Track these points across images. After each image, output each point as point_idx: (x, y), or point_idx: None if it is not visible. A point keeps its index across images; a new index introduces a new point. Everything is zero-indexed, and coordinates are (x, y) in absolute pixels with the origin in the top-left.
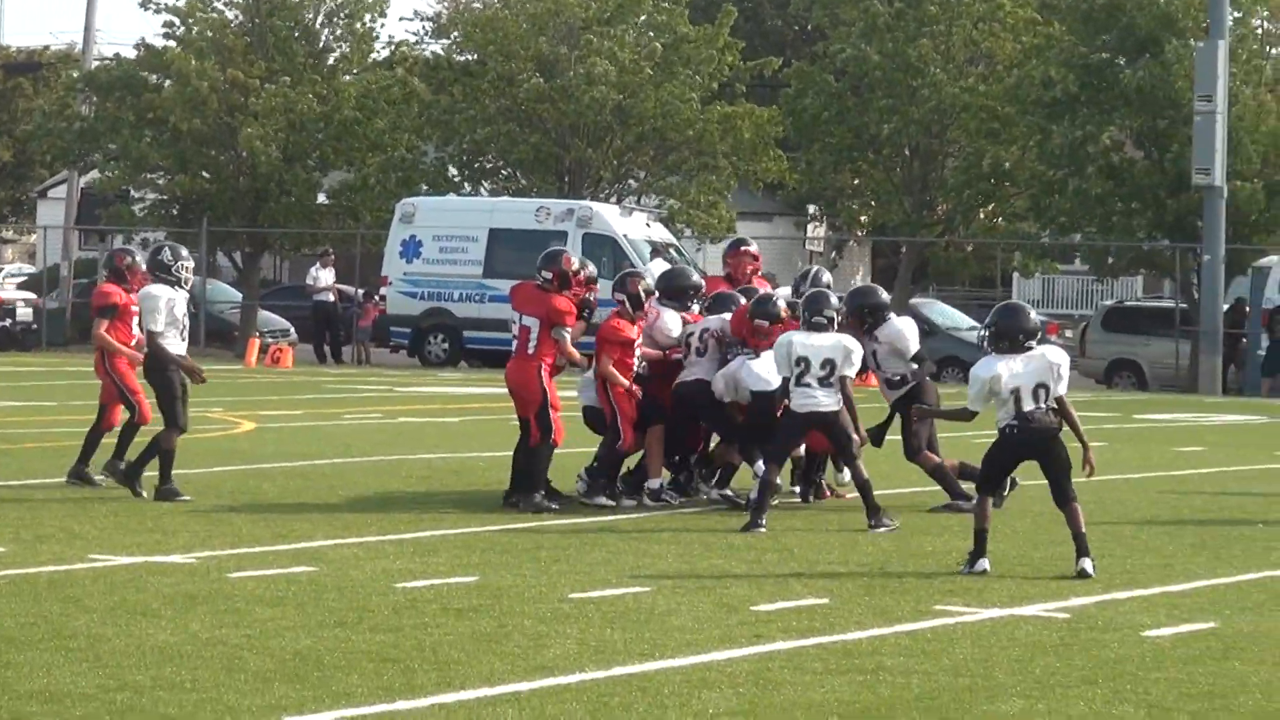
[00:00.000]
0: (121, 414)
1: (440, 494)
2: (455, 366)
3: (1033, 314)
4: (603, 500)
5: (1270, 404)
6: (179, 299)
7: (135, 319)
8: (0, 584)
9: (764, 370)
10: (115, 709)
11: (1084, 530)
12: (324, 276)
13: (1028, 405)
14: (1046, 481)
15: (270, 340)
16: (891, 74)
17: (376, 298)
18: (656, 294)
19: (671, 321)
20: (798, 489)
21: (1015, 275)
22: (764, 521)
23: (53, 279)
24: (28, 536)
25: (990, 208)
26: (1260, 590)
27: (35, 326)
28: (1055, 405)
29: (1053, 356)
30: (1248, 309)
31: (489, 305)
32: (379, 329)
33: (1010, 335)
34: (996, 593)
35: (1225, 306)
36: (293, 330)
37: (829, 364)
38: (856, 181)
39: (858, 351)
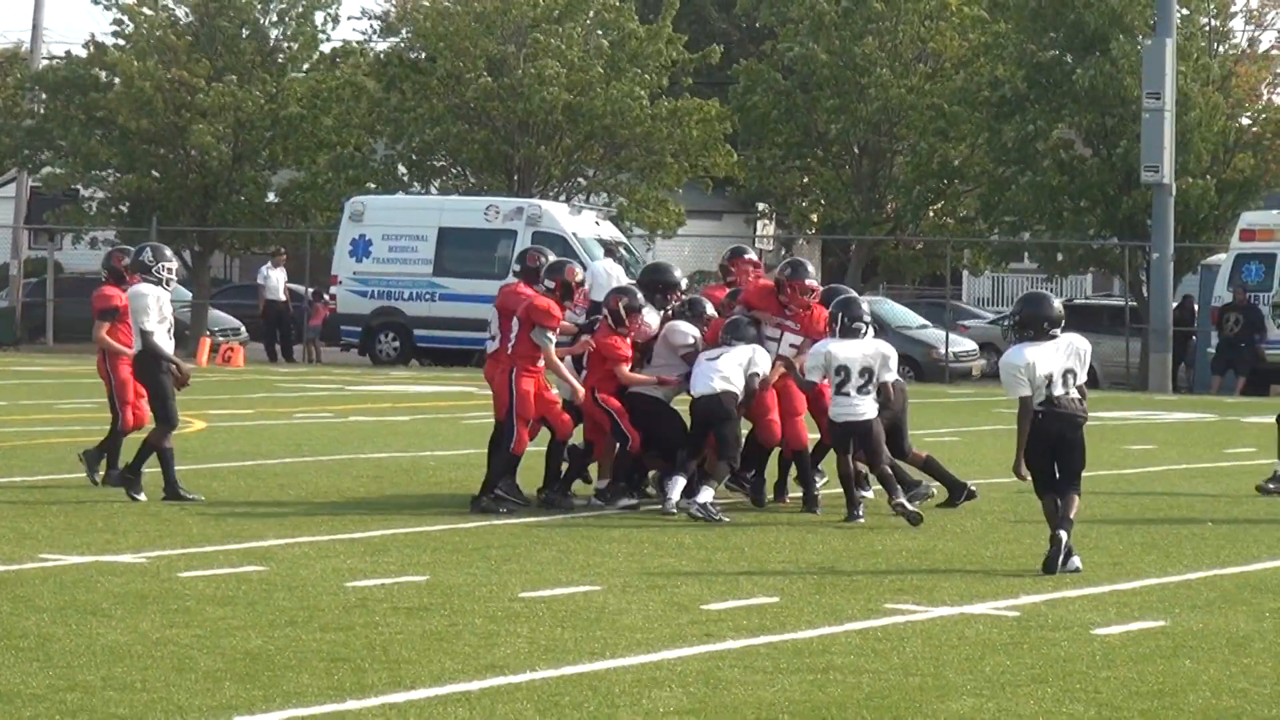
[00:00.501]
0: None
1: (391, 493)
2: (406, 365)
3: (1056, 302)
4: (629, 500)
5: (1220, 401)
6: (165, 298)
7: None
8: None
9: (726, 369)
10: (65, 709)
11: (1073, 516)
12: (275, 276)
13: (1057, 390)
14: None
15: (221, 339)
16: (839, 72)
17: (326, 296)
18: (643, 307)
19: (653, 321)
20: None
21: (965, 273)
22: (861, 512)
23: (1, 278)
24: None
25: (940, 206)
26: (1210, 588)
27: None
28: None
29: (1079, 344)
30: (1196, 306)
31: (439, 304)
32: (329, 328)
33: (1035, 324)
34: (946, 591)
35: (1174, 304)
36: (243, 329)
37: (867, 372)
38: (806, 179)
39: (894, 357)
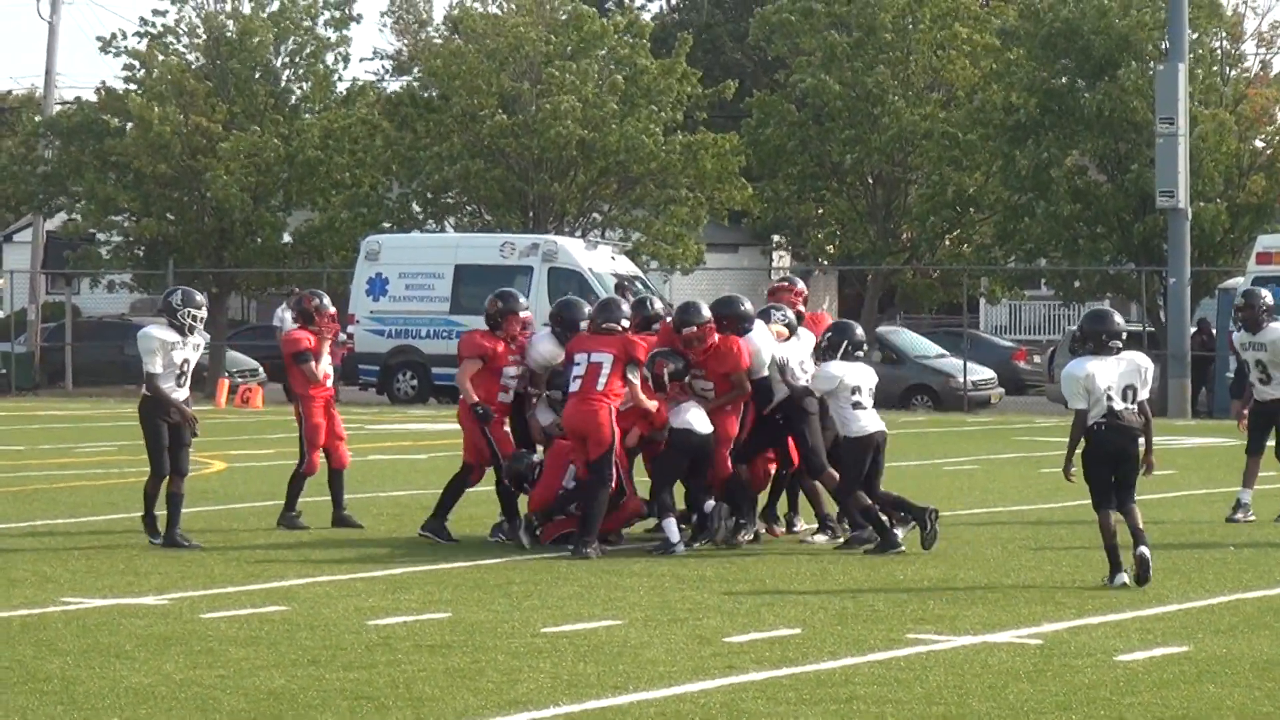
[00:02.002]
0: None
1: (412, 531)
2: (424, 403)
3: (1117, 317)
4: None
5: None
6: (182, 344)
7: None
8: None
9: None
10: None
11: (1142, 526)
12: (289, 317)
13: (1118, 405)
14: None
15: (239, 380)
16: (852, 103)
17: (344, 336)
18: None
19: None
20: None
21: (982, 301)
22: (900, 540)
23: (20, 323)
24: (0, 581)
25: (955, 234)
26: (1232, 613)
27: (4, 371)
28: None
29: (1140, 361)
30: (1214, 330)
31: (456, 341)
32: (347, 367)
33: (1096, 337)
34: (969, 620)
35: (1192, 329)
36: (262, 370)
37: (871, 391)
38: (820, 211)
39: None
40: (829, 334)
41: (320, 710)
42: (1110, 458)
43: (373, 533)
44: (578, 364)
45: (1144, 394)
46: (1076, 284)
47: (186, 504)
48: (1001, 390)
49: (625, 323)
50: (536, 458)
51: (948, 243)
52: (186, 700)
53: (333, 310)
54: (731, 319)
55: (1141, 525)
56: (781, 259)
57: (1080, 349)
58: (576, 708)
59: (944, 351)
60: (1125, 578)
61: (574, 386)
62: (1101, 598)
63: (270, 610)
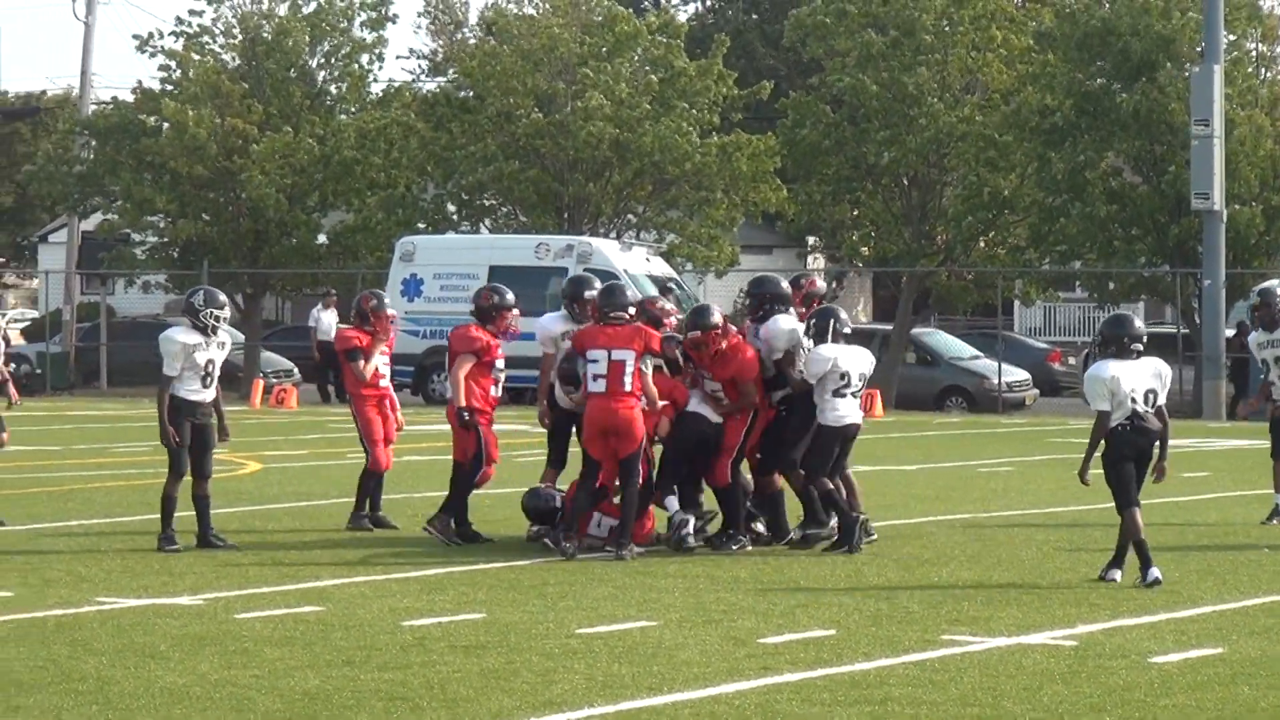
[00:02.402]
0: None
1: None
2: None
3: (1138, 321)
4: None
5: None
6: (205, 345)
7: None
8: (8, 628)
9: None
10: None
11: (1128, 543)
12: (326, 318)
13: (1140, 407)
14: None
15: (274, 381)
16: (888, 104)
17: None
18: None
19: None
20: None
21: (1017, 303)
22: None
23: (55, 323)
24: (35, 580)
25: (990, 236)
26: (1267, 615)
27: (39, 372)
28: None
29: (1160, 366)
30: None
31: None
32: None
33: (1117, 341)
34: (1003, 622)
35: (1231, 332)
36: (296, 370)
37: (863, 377)
38: (855, 212)
39: (873, 362)
40: (812, 319)
41: (355, 711)
42: (1135, 458)
43: (408, 533)
44: (595, 360)
45: (1162, 398)
46: (1111, 286)
47: (221, 504)
48: (1036, 392)
49: (632, 309)
50: (558, 497)
51: (983, 244)
52: (221, 700)
53: (391, 312)
54: (768, 297)
55: (1128, 543)
56: (816, 261)
57: (1102, 353)
58: (611, 709)
59: (978, 353)
60: (1157, 572)
61: (596, 385)
62: (1136, 599)
63: (305, 611)
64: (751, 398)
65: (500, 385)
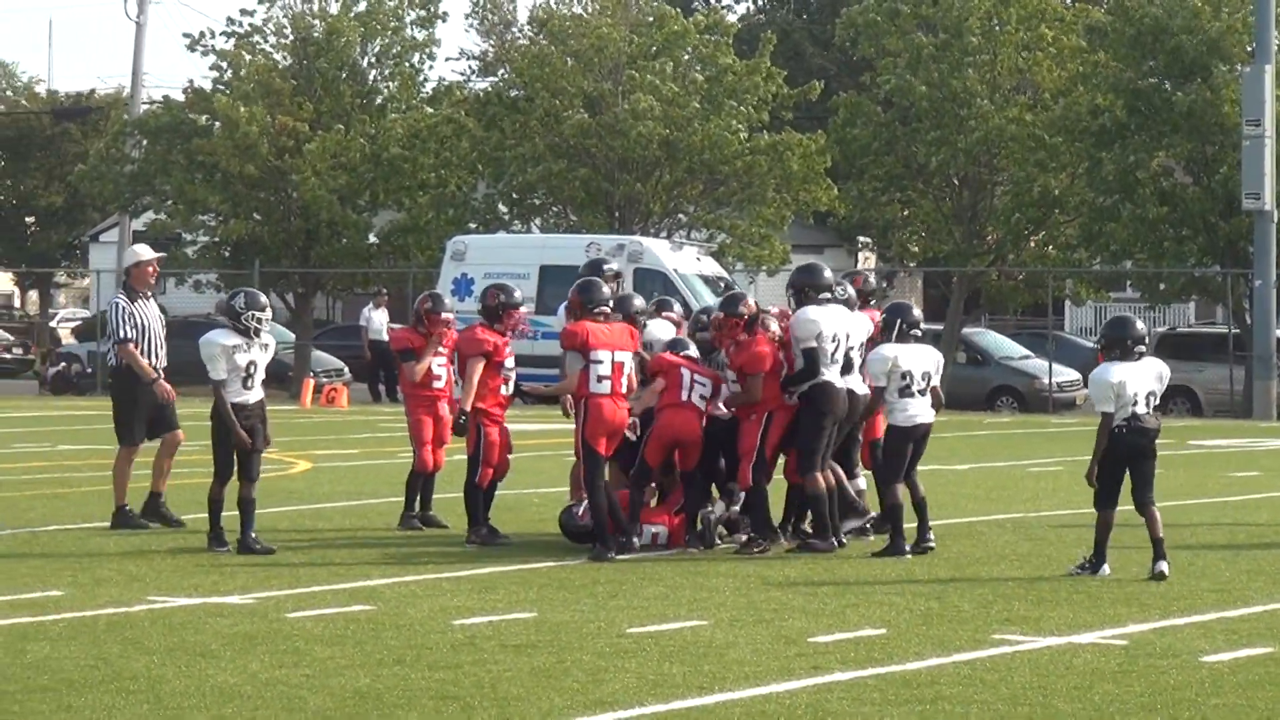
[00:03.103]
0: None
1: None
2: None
3: (1139, 323)
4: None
5: None
6: (247, 347)
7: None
8: (60, 627)
9: None
10: None
11: (1162, 535)
12: (376, 317)
13: (1141, 409)
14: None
15: (325, 380)
16: (938, 104)
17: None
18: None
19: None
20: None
21: (1067, 303)
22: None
23: (106, 323)
24: (86, 579)
25: (1040, 236)
26: None
27: (90, 371)
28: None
29: (1160, 367)
30: None
31: (541, 342)
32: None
33: (1121, 344)
34: (1054, 621)
35: None
36: (347, 370)
37: (927, 375)
38: (906, 212)
39: (941, 360)
40: (884, 315)
41: (405, 710)
42: (1127, 459)
43: (458, 532)
44: (600, 361)
45: (1158, 398)
46: (1162, 286)
47: (271, 504)
48: (1087, 391)
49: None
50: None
51: (1033, 244)
52: (272, 699)
53: (448, 315)
54: (800, 286)
55: (1161, 534)
56: (867, 260)
57: (1106, 355)
58: (662, 708)
59: (1029, 353)
60: (1108, 570)
61: (602, 386)
62: (1186, 599)
63: (356, 610)
64: (753, 393)
65: (511, 384)
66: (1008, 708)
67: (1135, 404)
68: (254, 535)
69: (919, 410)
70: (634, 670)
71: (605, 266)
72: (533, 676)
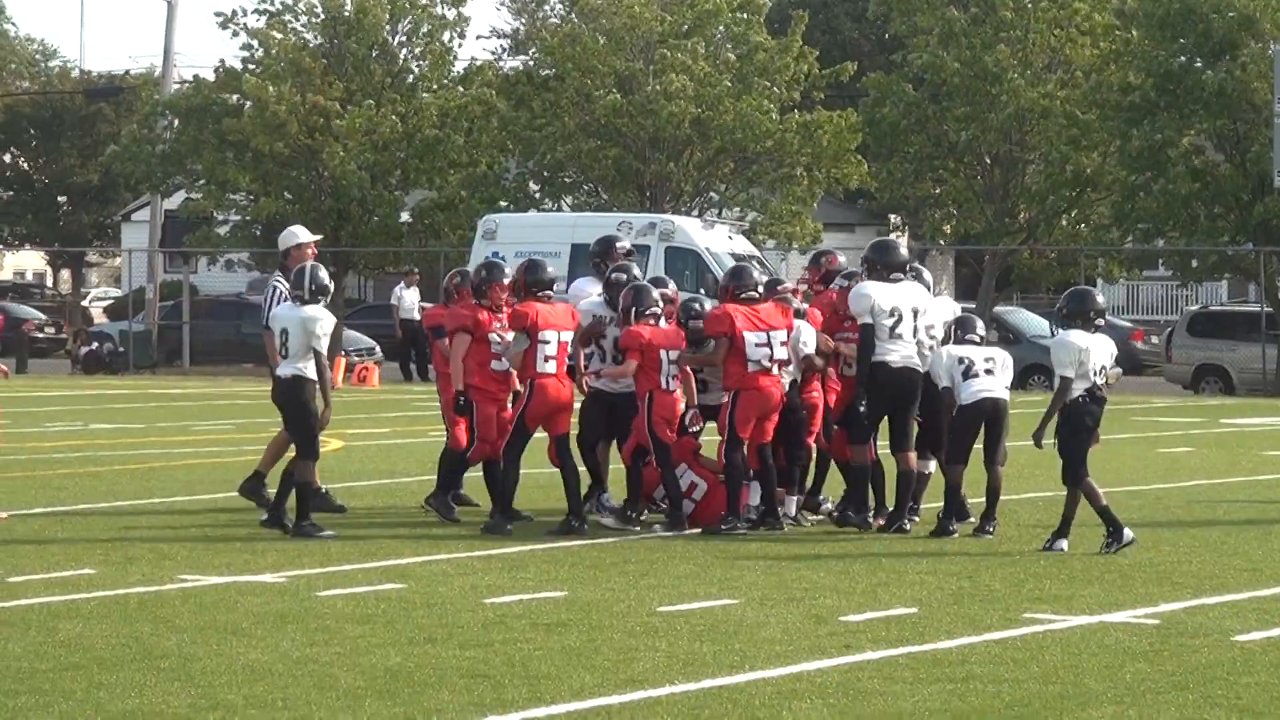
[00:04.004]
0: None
1: (526, 509)
2: None
3: (1099, 296)
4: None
5: None
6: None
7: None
8: (91, 605)
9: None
10: None
11: (1075, 515)
12: (408, 296)
13: (1099, 380)
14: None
15: (356, 359)
16: (970, 81)
17: None
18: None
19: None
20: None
21: (1100, 281)
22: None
23: (138, 302)
24: (118, 558)
25: (1072, 214)
26: None
27: (122, 350)
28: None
29: (1111, 344)
30: None
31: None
32: None
33: (1082, 315)
34: (1085, 600)
35: None
36: (378, 349)
37: (990, 359)
38: (938, 190)
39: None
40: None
41: (436, 688)
42: (1089, 429)
43: (489, 511)
44: (548, 341)
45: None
46: (1194, 264)
47: None
48: (1119, 370)
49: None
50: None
51: (1065, 223)
52: (303, 677)
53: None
54: (874, 262)
55: (1075, 515)
56: (899, 239)
57: (1066, 325)
58: (693, 686)
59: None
60: (1130, 534)
61: (549, 366)
62: (1218, 577)
63: (387, 588)
64: (711, 356)
65: (504, 360)
66: (1039, 686)
67: (1095, 374)
68: (285, 512)
69: (983, 387)
70: (664, 649)
71: (618, 244)
72: (563, 655)
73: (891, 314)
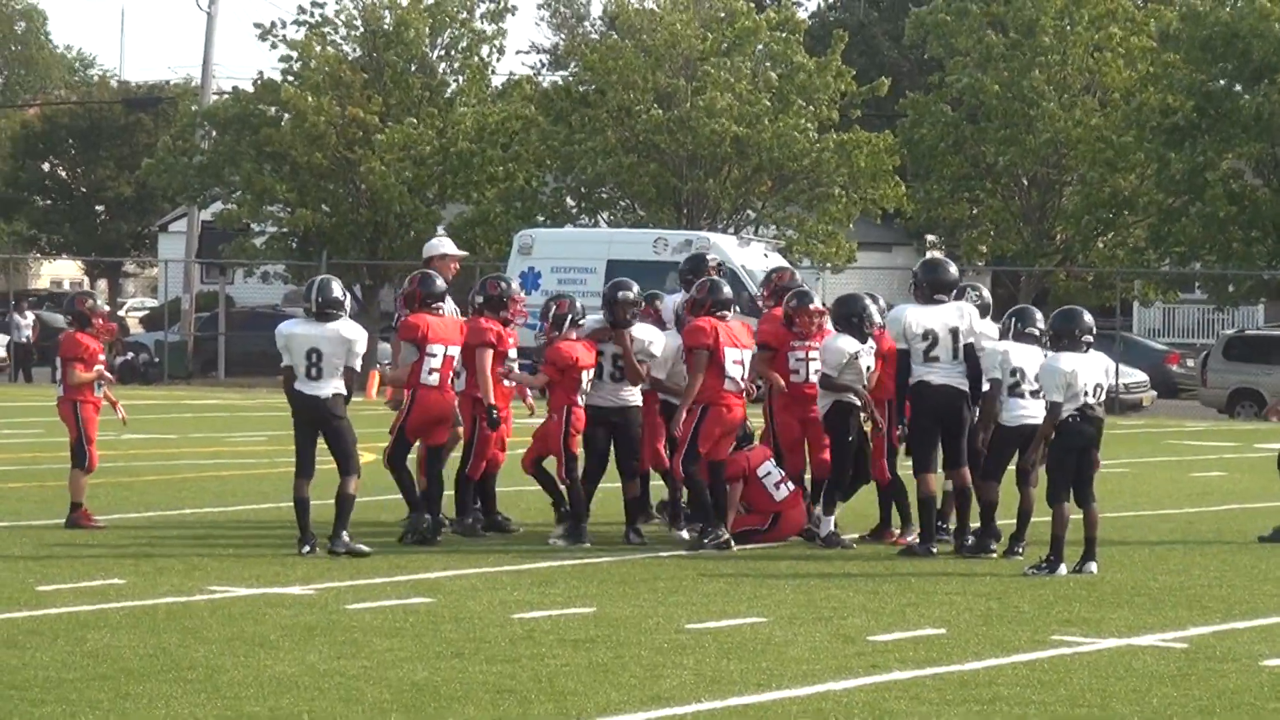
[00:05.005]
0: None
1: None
2: None
3: (1087, 316)
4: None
5: None
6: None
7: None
8: (120, 615)
9: None
10: None
11: (1097, 535)
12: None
13: (1090, 399)
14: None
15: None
16: (1007, 103)
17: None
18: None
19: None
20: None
21: (1135, 304)
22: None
23: (174, 312)
24: (148, 569)
25: (1109, 236)
26: None
27: (157, 360)
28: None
29: (1107, 361)
30: None
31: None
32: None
33: (1070, 335)
34: (1114, 623)
35: None
36: None
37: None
38: (974, 211)
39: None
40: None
41: (462, 702)
42: (1079, 449)
43: (520, 526)
44: (434, 355)
45: (1104, 391)
46: (1230, 288)
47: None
48: (1154, 393)
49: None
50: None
51: (1101, 245)
52: (329, 690)
53: (520, 296)
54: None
55: (1096, 534)
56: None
57: (1055, 346)
58: (718, 704)
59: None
60: (1065, 569)
61: (431, 379)
62: (1248, 602)
63: (416, 602)
64: (692, 369)
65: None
66: (1065, 709)
67: (1086, 394)
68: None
69: (1028, 411)
70: (691, 666)
71: (709, 256)
72: (590, 671)
73: (925, 337)
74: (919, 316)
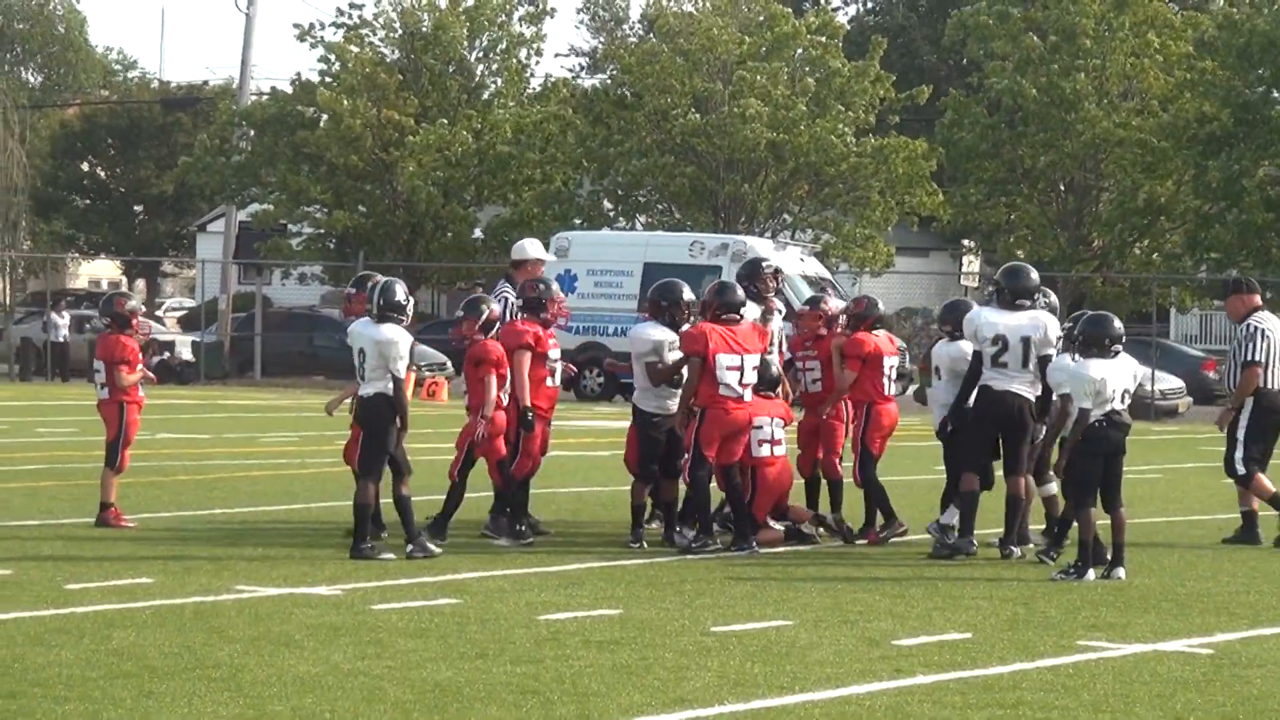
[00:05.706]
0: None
1: (588, 526)
2: (610, 401)
3: (1117, 322)
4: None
5: None
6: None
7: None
8: (147, 614)
9: None
10: None
11: (1125, 540)
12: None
13: (1117, 405)
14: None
15: (426, 373)
16: (1046, 108)
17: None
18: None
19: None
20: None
21: (1172, 310)
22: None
23: (211, 313)
24: (176, 568)
25: (1146, 242)
26: None
27: (194, 360)
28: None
29: (1135, 366)
30: None
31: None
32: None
33: (1099, 341)
34: (1140, 628)
35: None
36: (449, 364)
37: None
38: (1011, 216)
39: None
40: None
41: (485, 703)
42: (1106, 454)
43: (549, 528)
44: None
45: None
46: (1267, 295)
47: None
48: (1190, 400)
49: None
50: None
51: (1138, 251)
52: (353, 690)
53: (560, 297)
54: (1001, 286)
55: (1125, 539)
56: (971, 264)
57: (1084, 353)
58: (742, 707)
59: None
60: (1093, 574)
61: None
62: (1276, 609)
63: (442, 603)
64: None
65: (557, 376)
66: (1089, 714)
67: (1113, 400)
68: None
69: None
70: (715, 669)
71: (764, 263)
72: (614, 672)
73: (995, 342)
74: (992, 320)
